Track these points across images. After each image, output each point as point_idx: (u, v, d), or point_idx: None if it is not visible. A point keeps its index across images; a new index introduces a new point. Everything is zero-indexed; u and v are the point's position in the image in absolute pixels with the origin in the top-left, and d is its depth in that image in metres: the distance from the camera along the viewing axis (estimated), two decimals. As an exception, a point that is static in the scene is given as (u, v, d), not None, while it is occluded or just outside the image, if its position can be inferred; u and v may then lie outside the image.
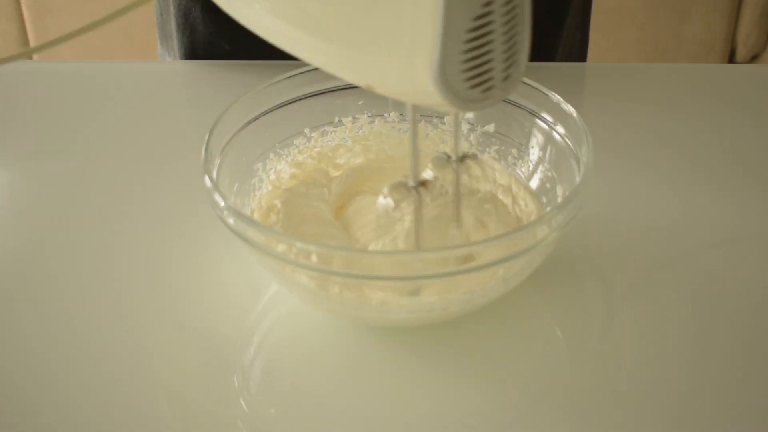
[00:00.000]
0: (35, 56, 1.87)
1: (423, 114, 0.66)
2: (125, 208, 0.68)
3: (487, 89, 0.43)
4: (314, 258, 0.51)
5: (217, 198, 0.53)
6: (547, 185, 0.62)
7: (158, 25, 0.94)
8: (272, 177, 0.64)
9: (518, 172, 0.64)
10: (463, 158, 0.55)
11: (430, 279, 0.51)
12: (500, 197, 0.63)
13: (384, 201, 0.54)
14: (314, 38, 0.44)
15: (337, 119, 0.66)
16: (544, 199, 0.62)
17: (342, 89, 0.64)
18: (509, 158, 0.65)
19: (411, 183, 0.52)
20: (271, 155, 0.64)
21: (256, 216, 0.61)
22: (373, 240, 0.58)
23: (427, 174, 0.56)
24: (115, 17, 0.47)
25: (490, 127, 0.65)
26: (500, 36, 0.42)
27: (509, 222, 0.60)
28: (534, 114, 0.62)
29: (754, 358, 0.55)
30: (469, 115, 0.66)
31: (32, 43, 1.87)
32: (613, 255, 0.62)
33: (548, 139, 0.62)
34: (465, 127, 0.66)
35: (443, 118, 0.66)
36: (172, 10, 0.88)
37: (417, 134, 0.51)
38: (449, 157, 0.55)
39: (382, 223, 0.59)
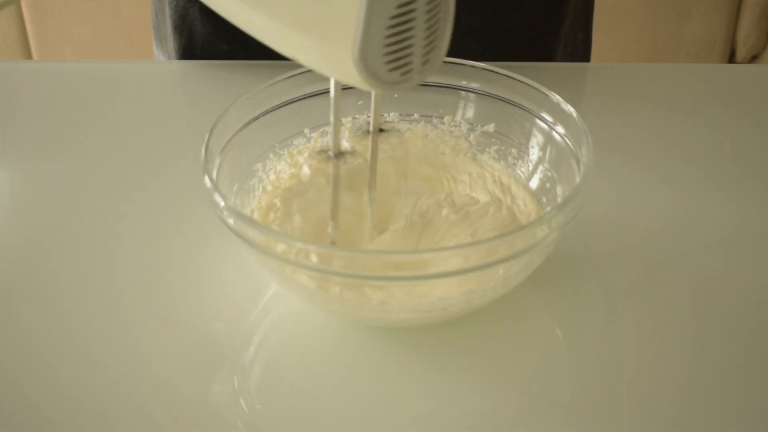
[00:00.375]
0: (35, 56, 1.88)
1: (423, 114, 0.66)
2: (125, 208, 0.68)
3: (406, 72, 0.45)
4: (314, 258, 0.51)
5: (217, 198, 0.53)
6: (547, 185, 0.62)
7: (154, 27, 0.94)
8: (272, 177, 0.64)
9: (518, 172, 0.64)
10: (380, 131, 0.58)
11: (431, 279, 0.51)
12: (500, 196, 0.63)
13: (305, 170, 0.59)
14: (250, 8, 0.46)
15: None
16: (544, 199, 0.62)
17: (342, 89, 0.64)
18: (509, 158, 0.65)
19: (331, 153, 0.55)
20: (271, 155, 0.64)
21: (256, 216, 0.61)
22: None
23: (346, 145, 0.59)
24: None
25: (490, 127, 0.65)
26: (422, 23, 0.44)
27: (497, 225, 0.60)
28: (534, 114, 0.62)
29: (754, 358, 0.55)
30: (469, 114, 0.66)
31: (32, 43, 1.87)
32: (613, 255, 0.62)
33: (548, 139, 0.62)
34: (465, 127, 0.66)
35: (443, 118, 0.66)
36: (167, 11, 0.88)
37: (339, 109, 0.53)
38: (368, 130, 0.58)
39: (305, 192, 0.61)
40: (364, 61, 0.43)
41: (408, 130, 0.66)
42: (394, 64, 0.44)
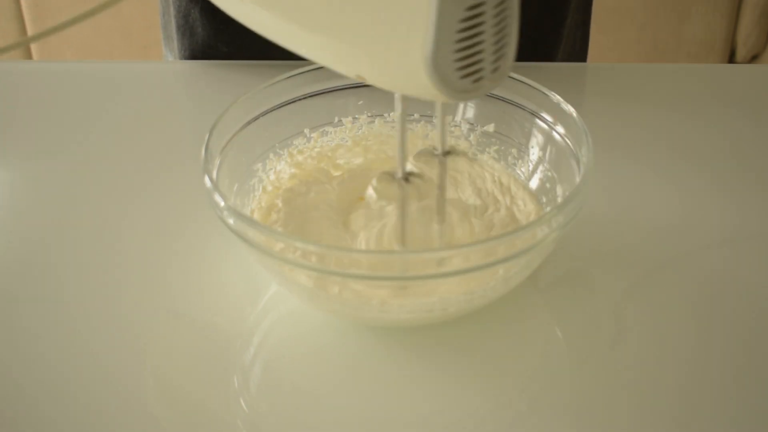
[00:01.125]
0: (35, 56, 1.88)
1: (423, 114, 0.66)
2: (125, 208, 0.68)
3: (478, 80, 0.44)
4: (314, 258, 0.51)
5: (217, 198, 0.53)
6: (547, 185, 0.62)
7: (162, 26, 0.94)
8: (272, 177, 0.64)
9: (518, 172, 0.64)
10: (448, 153, 0.55)
11: (431, 279, 0.51)
12: (498, 196, 0.63)
13: (371, 192, 0.55)
14: (305, 29, 0.45)
15: (337, 119, 0.66)
16: (544, 199, 0.62)
17: (342, 89, 0.64)
18: (509, 158, 0.65)
19: (398, 175, 0.53)
20: (271, 155, 0.64)
21: (257, 216, 0.61)
22: (360, 230, 0.59)
23: (411, 167, 0.56)
24: (108, 6, 0.47)
25: (490, 127, 0.65)
26: (491, 27, 0.43)
27: (499, 222, 0.60)
28: (534, 114, 0.62)
29: (754, 358, 0.55)
30: (469, 114, 0.66)
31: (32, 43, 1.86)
32: (613, 255, 0.62)
33: (548, 139, 0.62)
34: (465, 127, 0.66)
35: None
36: (172, 11, 0.88)
37: (405, 127, 0.51)
38: (435, 151, 0.55)
39: (369, 215, 0.59)
40: (437, 67, 0.42)
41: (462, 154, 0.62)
42: (465, 71, 0.43)
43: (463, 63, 0.43)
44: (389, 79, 0.45)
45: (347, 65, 0.46)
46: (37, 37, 0.46)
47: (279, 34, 0.47)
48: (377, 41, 0.43)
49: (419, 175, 0.54)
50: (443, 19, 0.40)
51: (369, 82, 0.46)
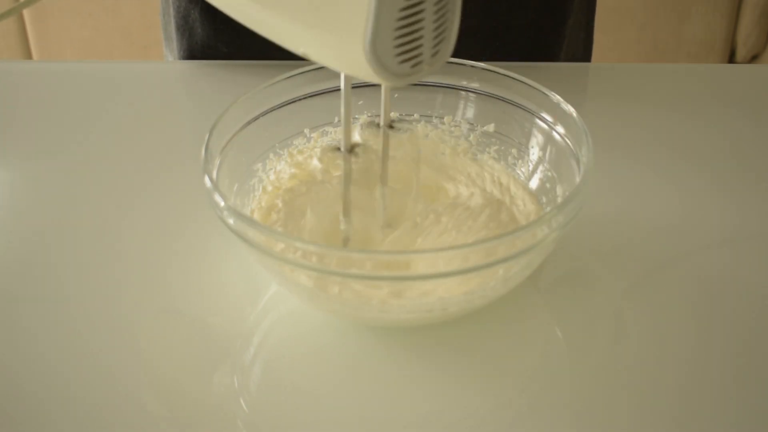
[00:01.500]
0: (35, 56, 1.88)
1: (423, 114, 0.66)
2: (125, 208, 0.68)
3: (416, 64, 0.45)
4: (314, 258, 0.51)
5: (217, 198, 0.53)
6: (547, 185, 0.62)
7: (162, 27, 0.94)
8: (272, 177, 0.64)
9: (518, 172, 0.64)
10: (390, 125, 0.58)
11: (431, 279, 0.51)
12: (497, 196, 0.63)
13: (315, 162, 0.59)
14: (256, 4, 0.46)
15: (337, 119, 0.66)
16: (544, 199, 0.62)
17: (353, 88, 0.64)
18: (509, 158, 0.65)
19: (342, 147, 0.55)
20: (271, 155, 0.64)
21: (257, 216, 0.61)
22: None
23: (357, 139, 0.59)
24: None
25: (490, 127, 0.65)
26: (431, 15, 0.44)
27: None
28: (534, 114, 0.62)
29: (754, 358, 0.55)
30: (469, 114, 0.66)
31: (32, 43, 1.87)
32: (613, 255, 0.62)
33: (548, 139, 0.62)
34: (465, 127, 0.66)
35: (443, 118, 0.66)
36: (172, 12, 0.88)
37: (350, 99, 0.52)
38: (378, 124, 0.58)
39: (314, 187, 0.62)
40: (375, 53, 0.43)
41: (408, 130, 0.66)
42: (404, 56, 0.44)
43: (402, 49, 0.44)
44: (331, 60, 0.47)
45: (293, 42, 0.47)
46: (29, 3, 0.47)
47: (232, 9, 0.49)
48: (319, 22, 0.44)
49: (364, 146, 0.57)
50: (383, 8, 0.42)
51: (312, 60, 0.47)
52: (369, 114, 0.65)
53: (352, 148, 0.55)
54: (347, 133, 0.54)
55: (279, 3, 0.46)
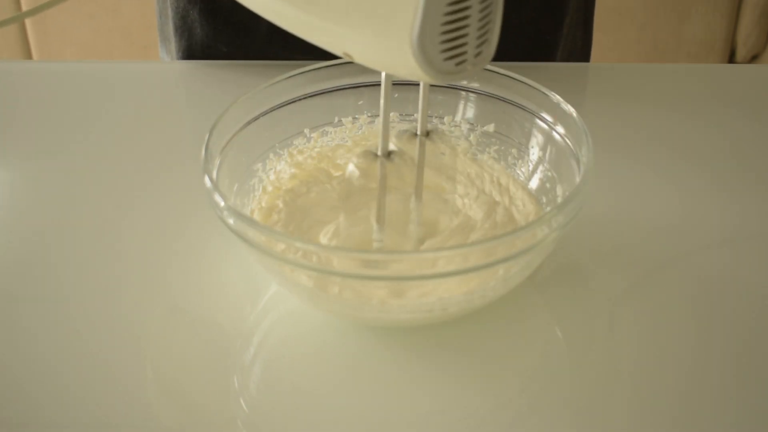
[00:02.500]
0: (35, 56, 1.88)
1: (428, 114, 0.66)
2: (125, 208, 0.68)
3: (460, 62, 0.46)
4: (314, 258, 0.51)
5: (217, 198, 0.53)
6: (547, 185, 0.62)
7: (159, 27, 0.94)
8: (272, 177, 0.64)
9: (518, 172, 0.64)
10: (427, 134, 0.58)
11: (430, 279, 0.51)
12: (496, 196, 0.63)
13: (352, 168, 0.58)
14: (295, 7, 0.46)
15: (337, 119, 0.66)
16: (544, 199, 0.62)
17: (342, 89, 0.64)
18: (509, 158, 0.65)
19: (378, 153, 0.55)
20: (271, 155, 0.64)
21: (257, 216, 0.61)
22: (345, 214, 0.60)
23: (393, 147, 0.58)
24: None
25: (490, 127, 0.65)
26: (477, 13, 0.44)
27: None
28: (534, 114, 0.62)
29: (754, 357, 0.55)
30: (469, 114, 0.66)
31: (32, 43, 1.87)
32: (613, 255, 0.62)
33: (548, 139, 0.62)
34: (465, 127, 0.66)
35: (443, 118, 0.66)
36: (170, 12, 0.88)
37: (389, 105, 0.52)
38: (414, 132, 0.58)
39: (349, 191, 0.61)
40: (422, 47, 0.43)
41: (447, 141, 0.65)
42: (449, 53, 0.45)
43: (447, 45, 0.44)
44: (375, 58, 0.47)
45: (335, 43, 0.47)
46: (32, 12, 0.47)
47: (268, 10, 0.48)
48: (365, 21, 0.44)
49: (400, 154, 0.56)
50: (431, 2, 0.42)
51: (356, 60, 0.47)
52: (354, 117, 0.65)
53: (388, 155, 0.55)
54: (385, 137, 0.54)
55: (322, 4, 0.46)
